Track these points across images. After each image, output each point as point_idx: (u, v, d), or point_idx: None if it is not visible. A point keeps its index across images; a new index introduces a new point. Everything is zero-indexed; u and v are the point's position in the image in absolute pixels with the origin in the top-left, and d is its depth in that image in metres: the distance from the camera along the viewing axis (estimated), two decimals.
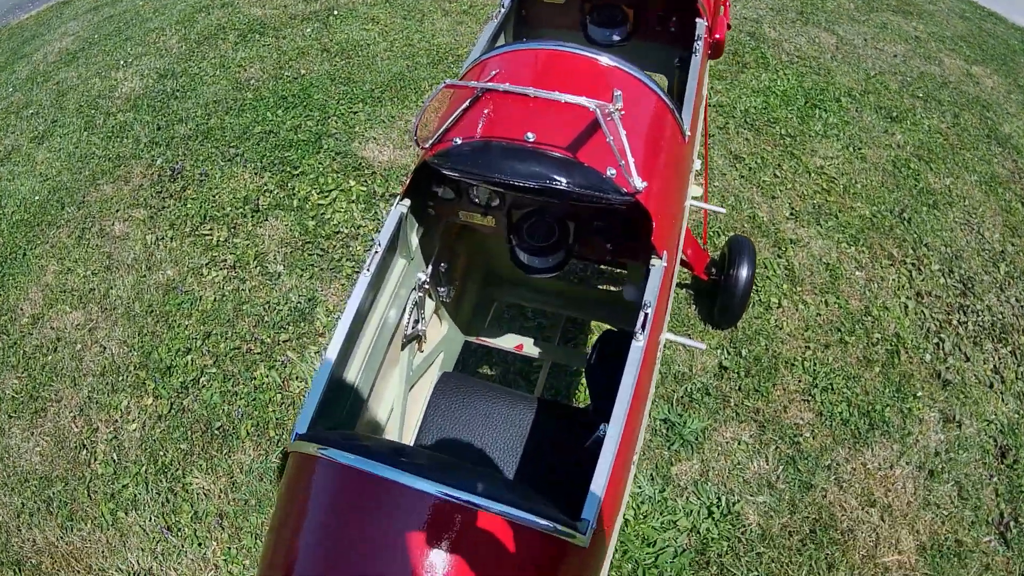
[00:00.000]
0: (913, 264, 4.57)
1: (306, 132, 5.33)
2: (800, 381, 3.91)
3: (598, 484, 1.69)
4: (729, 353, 4.00)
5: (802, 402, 3.84)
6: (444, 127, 2.17)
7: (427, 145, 2.21)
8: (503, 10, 3.15)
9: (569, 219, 2.48)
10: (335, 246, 4.49)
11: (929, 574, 3.29)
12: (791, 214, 4.82)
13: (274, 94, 5.79)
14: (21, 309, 4.75)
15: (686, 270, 3.93)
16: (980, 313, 4.33)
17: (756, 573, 3.27)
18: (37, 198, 5.58)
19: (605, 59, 2.30)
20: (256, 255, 4.50)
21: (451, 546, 1.56)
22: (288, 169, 5.00)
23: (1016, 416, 3.89)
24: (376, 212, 4.66)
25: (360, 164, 5.01)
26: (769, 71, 6.20)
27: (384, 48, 6.28)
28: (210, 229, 4.75)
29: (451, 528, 1.58)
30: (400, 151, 5.14)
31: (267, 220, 4.70)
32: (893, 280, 4.48)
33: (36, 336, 4.55)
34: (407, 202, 2.33)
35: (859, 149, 5.44)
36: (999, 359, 4.12)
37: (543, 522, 1.58)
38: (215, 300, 4.35)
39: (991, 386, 3.99)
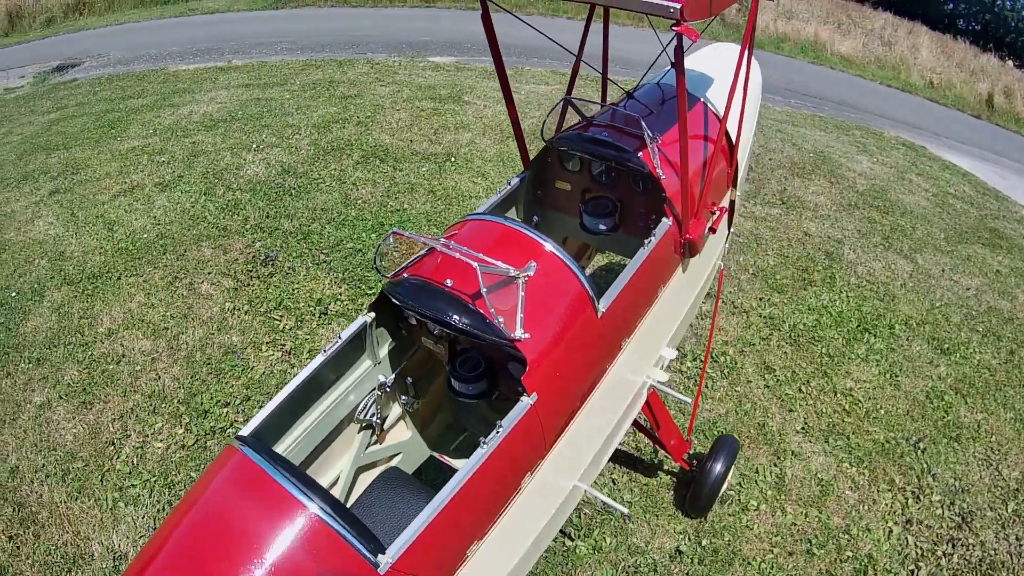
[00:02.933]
0: (912, 492, 4.55)
1: None
2: None
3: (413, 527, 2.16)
4: (690, 540, 4.12)
5: None
6: (404, 264, 2.87)
7: (390, 275, 2.87)
8: (508, 187, 3.71)
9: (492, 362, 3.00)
10: None
11: None
12: (802, 428, 4.90)
13: (375, 218, 6.66)
14: (101, 320, 5.48)
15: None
16: (971, 547, 4.23)
17: None
18: (145, 236, 6.43)
19: (548, 245, 2.82)
20: (310, 349, 5.16)
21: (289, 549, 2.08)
22: (364, 288, 5.75)
23: None
24: None
25: None
26: (832, 291, 6.29)
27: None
28: (280, 316, 5.46)
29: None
30: None
31: (330, 324, 5.40)
32: (886, 504, 4.44)
33: (106, 345, 5.25)
34: (372, 314, 2.95)
35: (896, 376, 5.42)
36: None
37: (351, 538, 2.11)
38: (263, 374, 4.99)
39: None
